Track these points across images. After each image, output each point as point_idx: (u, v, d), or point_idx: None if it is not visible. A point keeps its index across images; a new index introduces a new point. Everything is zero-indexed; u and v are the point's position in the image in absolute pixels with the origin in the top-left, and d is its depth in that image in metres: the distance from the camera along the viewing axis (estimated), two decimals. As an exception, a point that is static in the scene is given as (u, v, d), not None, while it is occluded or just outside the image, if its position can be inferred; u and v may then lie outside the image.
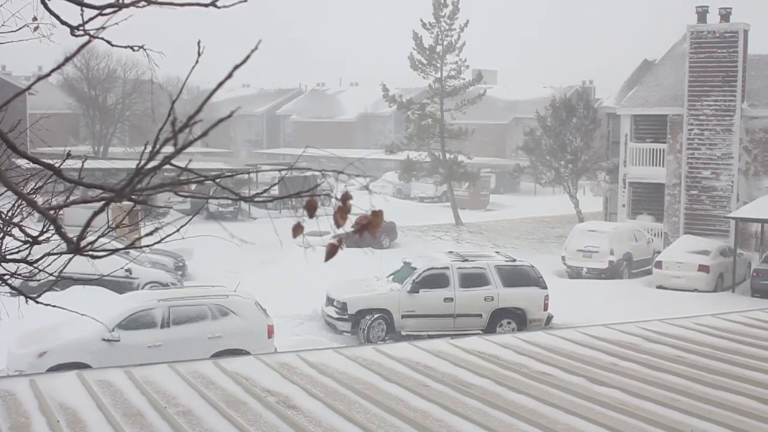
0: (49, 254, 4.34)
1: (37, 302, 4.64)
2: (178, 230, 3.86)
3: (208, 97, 2.92)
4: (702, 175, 38.21)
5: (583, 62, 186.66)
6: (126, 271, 26.90)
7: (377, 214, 3.01)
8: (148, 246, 4.43)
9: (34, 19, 5.22)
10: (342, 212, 2.94)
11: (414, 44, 49.10)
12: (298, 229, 3.11)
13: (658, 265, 33.70)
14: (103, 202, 3.01)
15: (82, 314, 7.68)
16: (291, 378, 11.24)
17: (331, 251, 3.10)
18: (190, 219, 4.07)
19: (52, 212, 3.18)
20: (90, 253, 3.53)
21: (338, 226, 2.96)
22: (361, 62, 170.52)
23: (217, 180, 3.21)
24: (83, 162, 4.68)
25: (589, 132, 46.74)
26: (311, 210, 2.99)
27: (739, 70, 37.30)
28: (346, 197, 2.96)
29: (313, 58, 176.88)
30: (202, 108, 2.84)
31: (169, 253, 31.98)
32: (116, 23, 3.90)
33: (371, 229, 3.00)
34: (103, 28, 3.78)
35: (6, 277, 4.47)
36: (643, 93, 41.52)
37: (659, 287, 32.94)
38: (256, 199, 3.38)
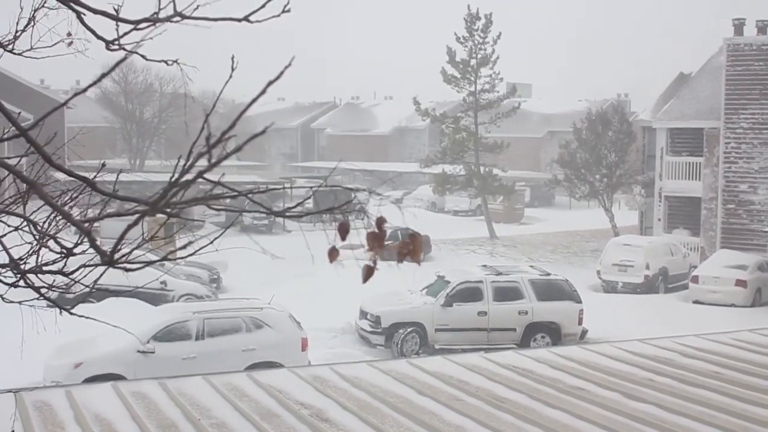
0: (84, 266, 4.38)
1: (71, 314, 4.68)
2: (211, 242, 3.87)
3: (242, 113, 2.94)
4: (739, 189, 37.84)
5: (619, 75, 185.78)
6: (161, 283, 27.06)
7: (416, 239, 3.01)
8: (182, 258, 4.46)
9: (69, 34, 5.28)
10: (376, 238, 2.95)
11: (447, 58, 49.08)
12: (333, 254, 3.13)
13: (695, 279, 33.40)
14: (137, 216, 3.03)
15: (114, 326, 7.73)
16: (324, 391, 11.25)
17: (368, 273, 3.11)
18: (223, 231, 4.09)
19: (86, 225, 3.20)
20: (123, 265, 3.56)
21: (372, 251, 2.96)
22: (395, 76, 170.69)
23: (250, 195, 3.21)
24: (117, 175, 4.73)
25: (624, 145, 46.48)
26: (343, 234, 3.00)
27: (777, 83, 36.96)
28: (380, 222, 2.95)
29: (347, 71, 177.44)
30: (236, 123, 2.85)
31: (203, 266, 32.14)
32: (151, 38, 3.94)
33: (414, 256, 3.02)
34: (139, 42, 3.81)
35: (43, 290, 4.52)
36: (679, 106, 41.24)
37: (696, 302, 32.62)
38: (288, 213, 3.38)
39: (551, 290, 25.71)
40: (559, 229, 55.15)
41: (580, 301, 25.74)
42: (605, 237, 44.32)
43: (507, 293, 25.34)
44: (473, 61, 48.93)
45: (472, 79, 49.26)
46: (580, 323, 25.59)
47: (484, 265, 28.77)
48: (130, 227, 3.00)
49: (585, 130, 47.71)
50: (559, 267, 38.16)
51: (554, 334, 25.25)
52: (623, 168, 46.35)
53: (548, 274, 26.77)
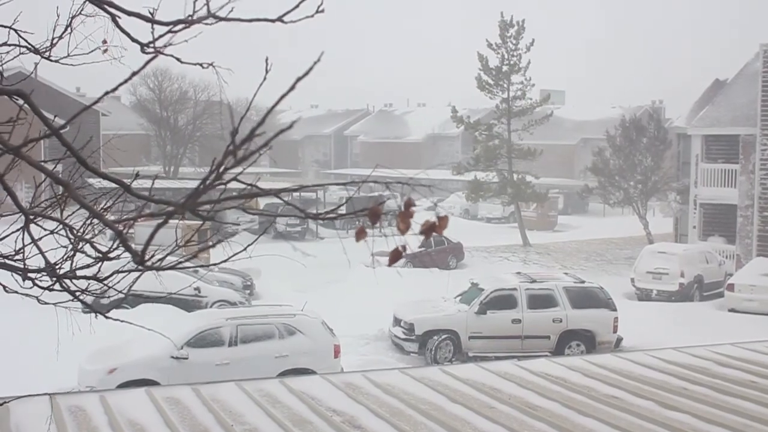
0: (118, 271, 4.41)
1: (107, 317, 4.71)
2: (245, 249, 3.89)
3: (271, 109, 2.94)
4: (776, 197, 37.47)
5: (653, 82, 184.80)
6: (195, 289, 27.21)
7: (442, 218, 2.99)
8: (215, 264, 4.48)
9: (104, 42, 5.31)
10: (404, 217, 2.91)
11: (480, 65, 49.05)
12: (361, 233, 3.06)
13: (730, 287, 33.07)
14: (167, 215, 3.04)
15: (150, 329, 7.80)
16: (357, 398, 11.25)
17: (395, 256, 3.08)
18: (257, 238, 4.10)
19: (118, 226, 3.22)
20: (155, 266, 3.57)
21: (401, 232, 2.93)
22: (428, 83, 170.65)
23: (283, 196, 3.21)
24: (153, 180, 4.76)
25: (659, 152, 46.19)
26: (374, 217, 2.95)
27: (814, 90, 36.56)
28: (408, 203, 2.93)
29: (380, 79, 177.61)
30: (265, 119, 2.86)
31: (237, 272, 32.28)
32: (186, 41, 3.95)
33: (438, 230, 2.98)
34: (169, 42, 3.83)
35: (78, 293, 4.56)
36: (714, 113, 40.90)
37: (731, 310, 32.31)
38: (323, 216, 3.37)
39: (586, 298, 25.56)
40: (593, 237, 54.86)
41: (615, 309, 25.58)
42: (639, 244, 44.05)
43: (541, 301, 25.24)
44: (505, 68, 48.87)
45: (505, 86, 49.19)
46: (615, 331, 25.43)
47: (518, 273, 28.67)
48: (159, 227, 3.00)
49: (619, 136, 47.48)
50: (594, 274, 37.95)
51: (589, 342, 25.09)
52: (658, 175, 46.07)
53: (583, 282, 26.62)
